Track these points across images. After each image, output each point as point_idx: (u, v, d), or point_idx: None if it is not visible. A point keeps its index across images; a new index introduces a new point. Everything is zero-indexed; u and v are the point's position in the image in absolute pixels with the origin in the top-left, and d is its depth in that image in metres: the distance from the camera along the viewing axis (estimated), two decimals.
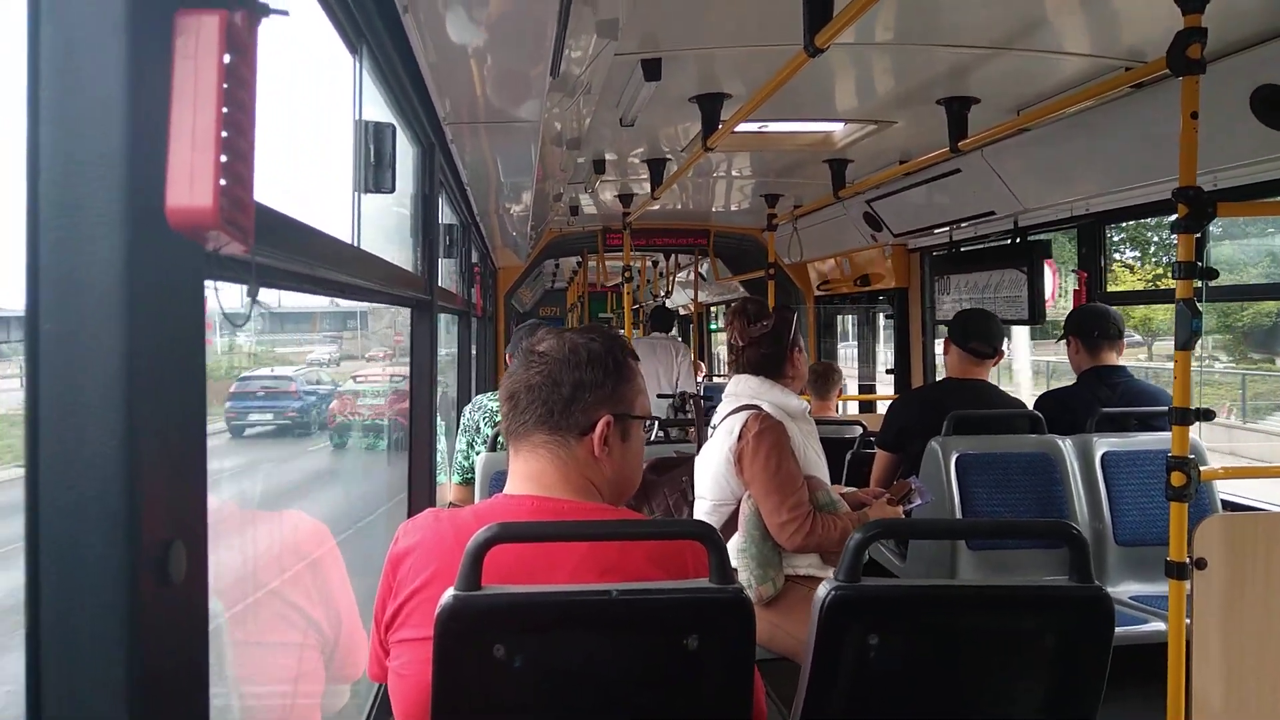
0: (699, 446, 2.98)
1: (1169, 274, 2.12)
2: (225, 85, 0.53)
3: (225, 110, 0.54)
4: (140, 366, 0.54)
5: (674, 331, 7.90)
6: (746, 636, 1.29)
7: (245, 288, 0.65)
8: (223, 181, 0.54)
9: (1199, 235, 2.10)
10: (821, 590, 1.40)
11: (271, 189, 0.90)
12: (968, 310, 3.87)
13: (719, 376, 10.23)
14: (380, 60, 1.76)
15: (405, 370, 2.37)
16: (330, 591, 1.52)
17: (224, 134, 0.54)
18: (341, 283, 1.37)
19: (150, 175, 0.53)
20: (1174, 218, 2.10)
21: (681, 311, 13.76)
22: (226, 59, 0.54)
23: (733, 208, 6.07)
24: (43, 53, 0.51)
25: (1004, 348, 3.60)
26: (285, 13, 0.60)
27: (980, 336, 3.51)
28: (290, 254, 0.96)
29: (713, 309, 11.64)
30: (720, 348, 13.55)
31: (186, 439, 0.61)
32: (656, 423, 3.58)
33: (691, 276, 8.77)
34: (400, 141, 1.82)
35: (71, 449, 0.53)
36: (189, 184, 0.52)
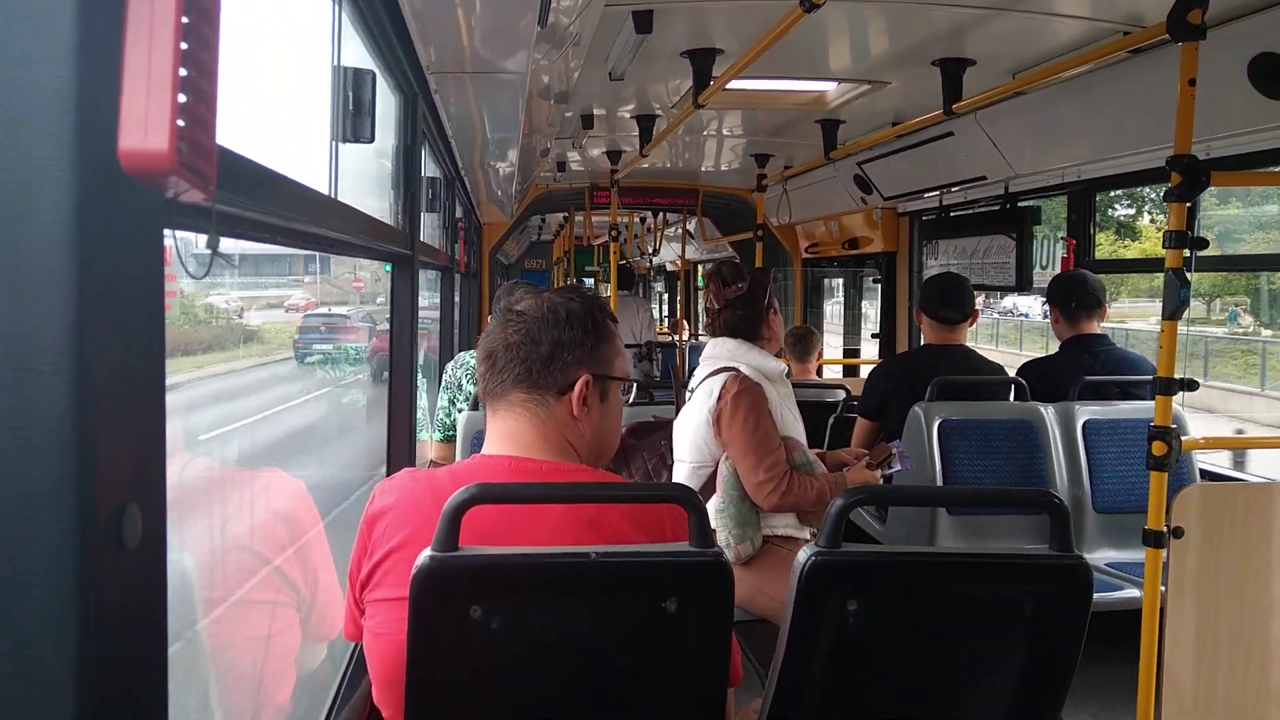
0: (677, 410, 2.98)
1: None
2: (184, 19, 0.50)
3: (185, 47, 0.50)
4: (92, 319, 0.51)
5: (636, 290, 8.50)
6: (725, 600, 1.29)
7: (205, 237, 0.61)
8: (180, 123, 0.50)
9: (1190, 204, 2.09)
10: (802, 555, 1.39)
11: (242, 135, 0.86)
12: (935, 277, 3.86)
13: (703, 337, 10.23)
14: (361, 4, 1.70)
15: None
16: (307, 549, 1.51)
17: (182, 72, 0.50)
18: (316, 235, 1.33)
19: (103, 116, 0.50)
20: (1167, 186, 2.08)
21: (668, 268, 13.69)
22: None
23: (722, 167, 6.01)
24: None
25: (976, 308, 3.60)
26: None
27: (950, 305, 3.52)
28: (259, 203, 0.92)
29: (700, 267, 11.59)
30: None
31: (144, 396, 0.58)
32: (635, 385, 3.57)
33: (679, 233, 8.71)
34: (381, 90, 1.76)
35: (17, 408, 0.50)
36: (143, 125, 0.49)
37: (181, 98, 0.51)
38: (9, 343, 0.49)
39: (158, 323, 0.59)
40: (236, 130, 0.82)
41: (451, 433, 3.29)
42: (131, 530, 0.55)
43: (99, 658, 0.52)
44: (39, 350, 0.50)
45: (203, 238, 0.65)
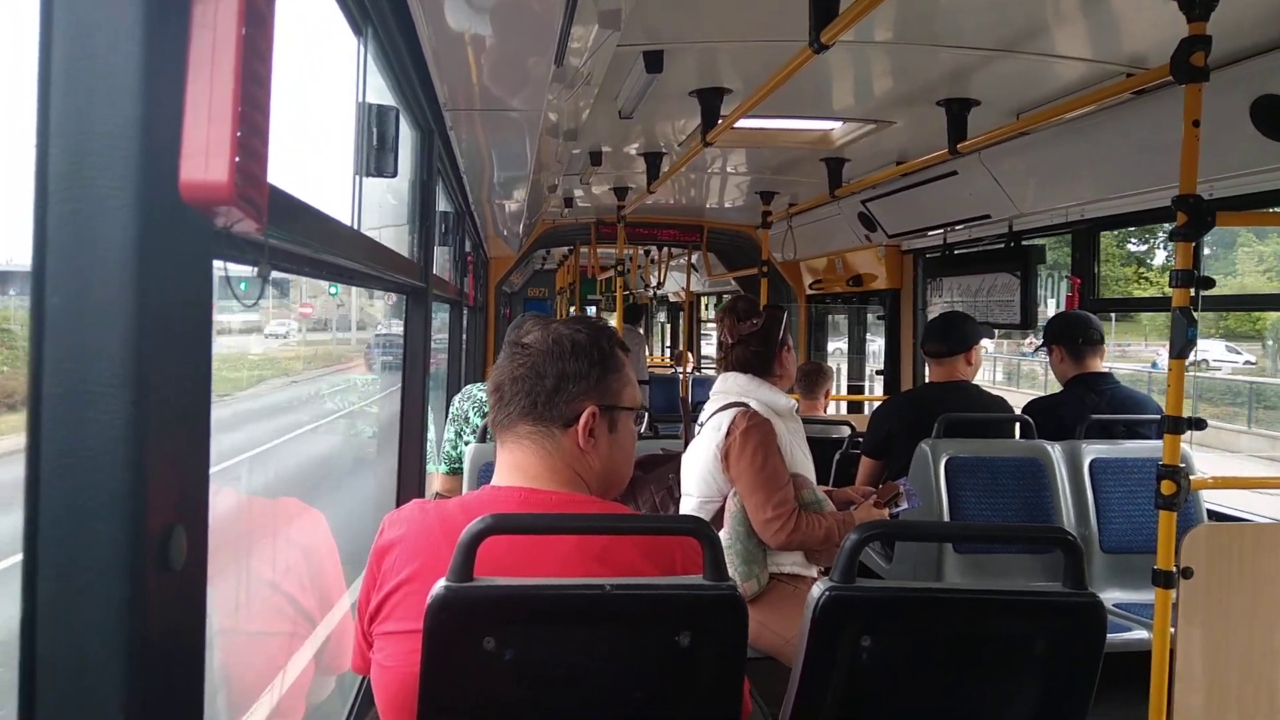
0: (686, 443, 2.98)
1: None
2: (243, 58, 0.52)
3: (242, 84, 0.52)
4: (147, 346, 0.52)
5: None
6: (738, 635, 1.29)
7: (255, 268, 0.63)
8: (238, 158, 0.52)
9: (1196, 244, 2.11)
10: (815, 590, 1.39)
11: (277, 168, 0.88)
12: (938, 315, 3.89)
13: (707, 369, 10.24)
14: (384, 43, 1.74)
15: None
16: (322, 580, 1.51)
17: (240, 108, 0.52)
18: (342, 266, 1.35)
19: (164, 148, 0.52)
20: (1172, 226, 2.10)
21: (671, 299, 13.72)
22: (244, 30, 0.52)
23: (727, 204, 6.06)
24: (56, 20, 0.49)
25: (970, 344, 3.58)
26: None
27: (933, 338, 3.54)
28: (298, 235, 0.94)
29: (703, 300, 11.62)
30: (708, 339, 13.55)
31: (191, 421, 0.59)
32: (646, 415, 3.58)
33: (683, 264, 8.76)
34: (400, 126, 1.80)
35: (75, 427, 0.51)
36: (204, 158, 0.51)
37: (239, 132, 0.53)
38: (70, 364, 0.51)
39: (205, 349, 0.60)
40: (274, 164, 0.84)
41: (458, 465, 3.29)
42: (178, 552, 0.55)
43: (146, 675, 0.53)
44: (97, 372, 0.51)
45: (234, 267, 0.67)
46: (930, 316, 4.81)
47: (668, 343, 15.30)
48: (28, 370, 0.51)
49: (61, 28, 0.50)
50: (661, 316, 16.62)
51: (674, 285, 10.84)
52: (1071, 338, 3.49)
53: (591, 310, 12.17)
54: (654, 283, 10.19)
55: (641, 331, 8.63)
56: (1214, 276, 2.09)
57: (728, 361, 2.85)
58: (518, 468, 1.45)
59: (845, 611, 1.37)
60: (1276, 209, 2.84)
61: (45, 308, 0.51)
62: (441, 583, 1.20)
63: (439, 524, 1.35)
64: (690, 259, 7.53)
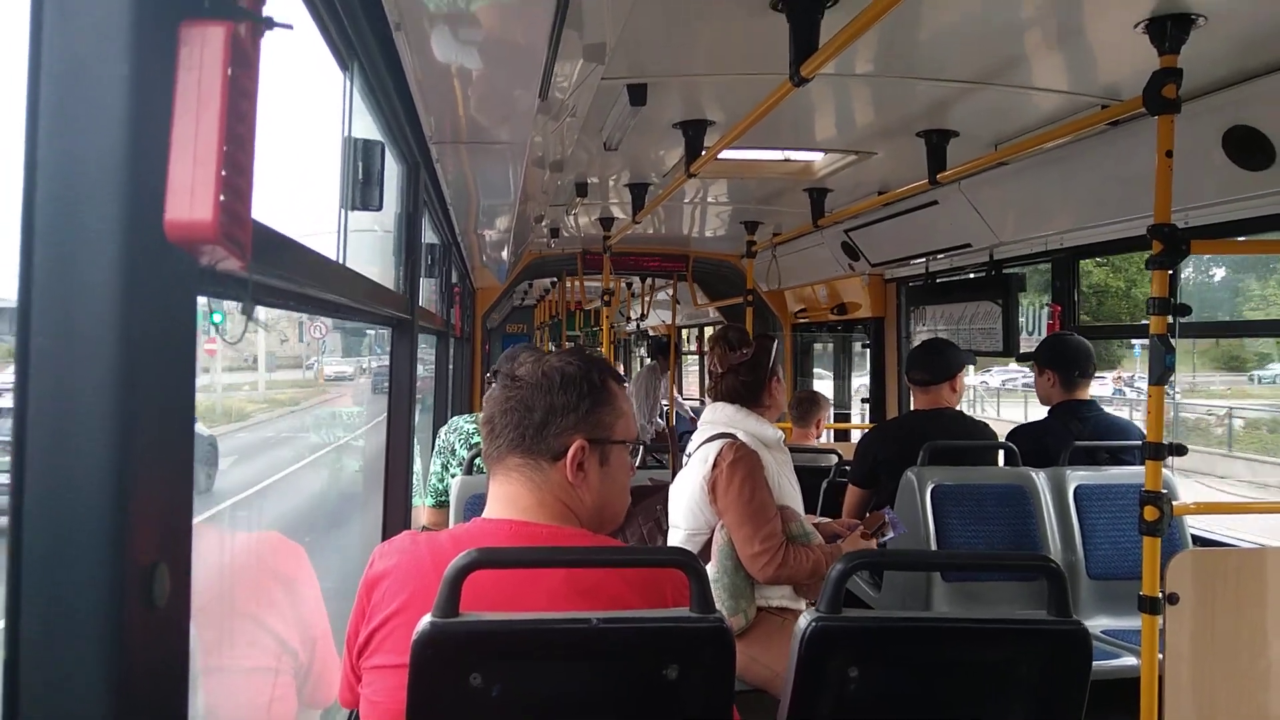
0: (674, 474, 2.97)
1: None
2: (228, 98, 0.52)
3: (228, 124, 0.53)
4: (132, 382, 0.52)
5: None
6: (726, 667, 1.28)
7: (239, 304, 0.63)
8: (222, 196, 0.52)
9: (1172, 272, 2.14)
10: (803, 621, 1.39)
11: (263, 203, 0.88)
12: (921, 342, 3.92)
13: (688, 399, 10.25)
14: (371, 78, 1.76)
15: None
16: (305, 614, 1.49)
17: (225, 148, 0.53)
18: (327, 300, 1.35)
19: (149, 187, 0.52)
20: (1149, 254, 2.14)
21: (650, 333, 13.77)
22: (230, 71, 0.53)
23: (711, 234, 6.10)
24: (44, 59, 0.50)
25: (955, 372, 3.59)
26: (290, 26, 0.59)
27: (917, 366, 3.57)
28: (281, 271, 0.94)
29: (683, 332, 11.65)
30: (689, 371, 13.56)
31: (174, 458, 0.59)
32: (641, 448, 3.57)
33: (666, 297, 8.81)
34: (386, 159, 1.81)
35: (58, 464, 0.51)
36: (189, 197, 0.51)
37: (223, 172, 0.53)
38: (53, 401, 0.51)
39: (189, 387, 0.60)
40: (258, 198, 0.85)
41: (444, 498, 3.27)
42: (161, 589, 0.55)
43: (129, 712, 0.52)
44: (82, 410, 0.51)
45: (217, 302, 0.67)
46: (914, 344, 4.84)
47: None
48: (13, 404, 0.51)
49: (49, 68, 0.50)
50: (641, 350, 16.67)
51: (654, 320, 10.88)
52: (1068, 368, 3.50)
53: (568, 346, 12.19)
54: (635, 316, 10.22)
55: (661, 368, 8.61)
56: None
57: (717, 391, 2.84)
58: (508, 500, 1.45)
59: (832, 642, 1.37)
60: (1249, 238, 2.89)
61: (30, 345, 0.51)
62: (427, 618, 1.19)
63: (429, 555, 1.34)
64: (675, 291, 7.56)
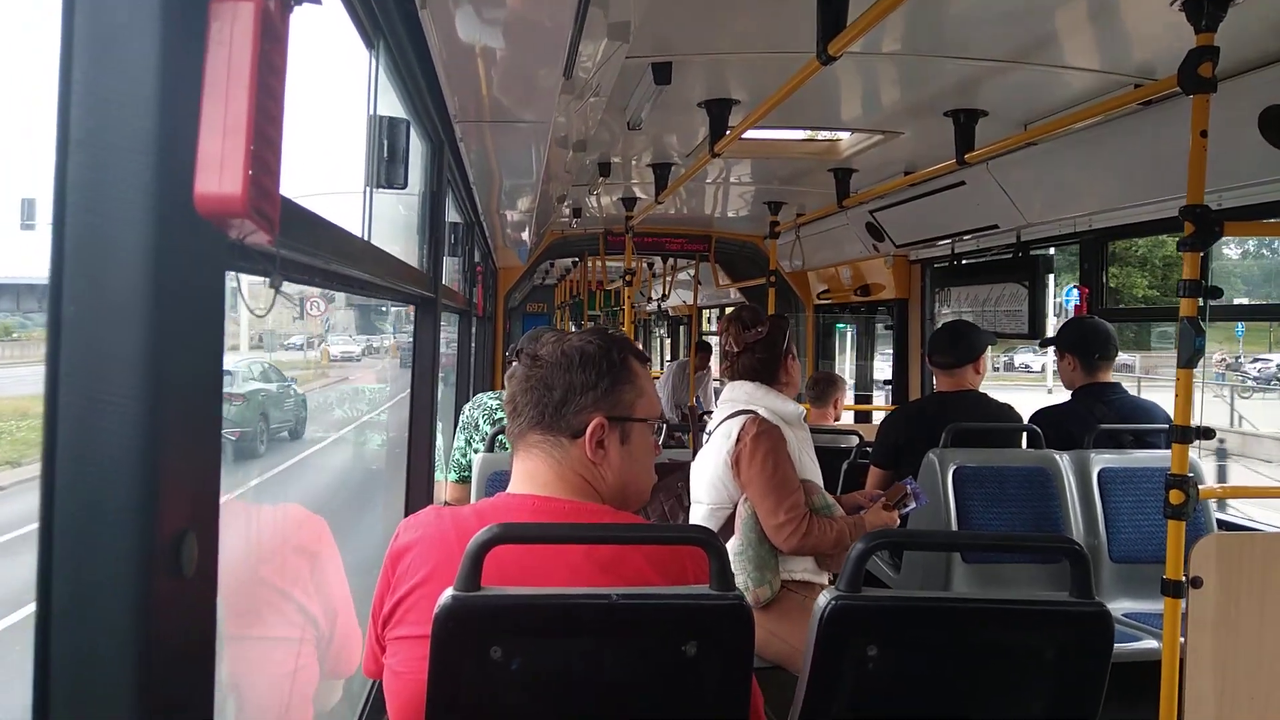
0: (694, 452, 2.98)
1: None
2: (258, 73, 0.53)
3: (257, 99, 0.53)
4: (161, 353, 0.53)
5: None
6: (745, 644, 1.29)
7: (266, 279, 0.64)
8: (251, 171, 0.53)
9: (1204, 254, 2.11)
10: (822, 599, 1.39)
11: (290, 180, 0.89)
12: (943, 324, 3.89)
13: (716, 381, 10.25)
14: (396, 56, 1.76)
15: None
16: (327, 586, 1.52)
17: (254, 122, 0.53)
18: (351, 277, 1.36)
19: (180, 161, 0.53)
20: (1180, 236, 2.10)
21: (671, 313, 13.76)
22: (259, 47, 0.53)
23: (733, 214, 6.07)
24: (77, 36, 0.51)
25: (978, 354, 3.57)
26: (318, 1, 0.60)
27: (940, 349, 3.54)
28: (308, 246, 0.95)
29: (705, 313, 11.65)
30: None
31: (202, 427, 0.60)
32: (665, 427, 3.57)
33: (688, 278, 8.79)
34: (411, 138, 1.81)
35: (89, 434, 0.52)
36: (219, 171, 0.52)
37: (252, 146, 0.54)
38: (85, 373, 0.52)
39: (218, 358, 0.61)
40: (285, 176, 0.86)
41: (467, 473, 3.30)
42: (189, 557, 0.56)
43: (157, 678, 0.53)
44: (112, 381, 0.52)
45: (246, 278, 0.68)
46: (937, 326, 4.81)
47: (667, 357, 15.36)
48: (44, 378, 0.52)
49: (81, 44, 0.51)
50: (661, 330, 16.66)
51: (675, 300, 10.87)
52: (1087, 352, 3.46)
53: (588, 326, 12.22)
54: (657, 296, 10.22)
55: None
56: None
57: (733, 370, 2.85)
58: (530, 476, 1.46)
59: (852, 621, 1.38)
60: None
61: (62, 316, 0.52)
62: (448, 592, 1.20)
63: (454, 529, 1.36)
64: (697, 272, 7.54)
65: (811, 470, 2.74)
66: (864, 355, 7.09)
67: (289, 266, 0.90)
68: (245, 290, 0.71)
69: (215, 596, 0.63)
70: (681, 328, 13.68)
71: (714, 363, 8.62)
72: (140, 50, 0.50)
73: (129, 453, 0.52)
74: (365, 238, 1.63)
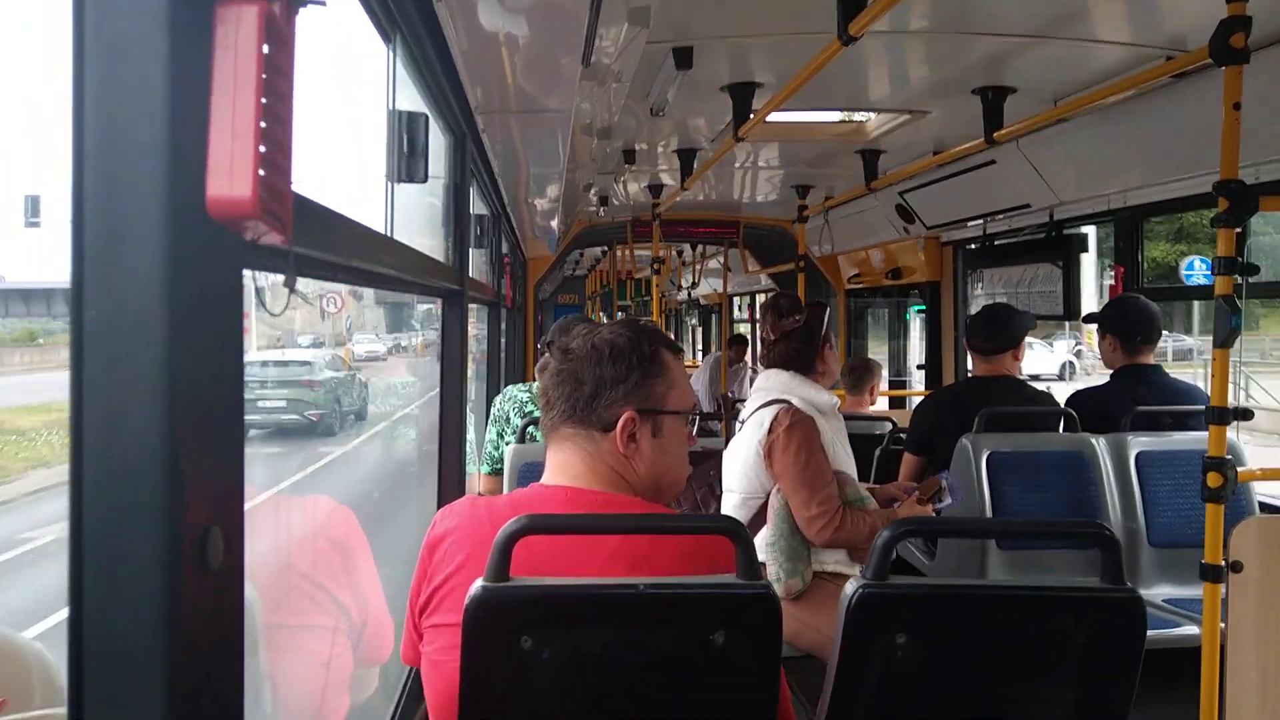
0: (726, 440, 2.98)
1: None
2: (264, 76, 0.54)
3: (264, 101, 0.54)
4: (181, 354, 0.55)
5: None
6: (773, 633, 1.29)
7: (282, 277, 0.65)
8: (261, 172, 0.54)
9: (1239, 230, 2.06)
10: (849, 588, 1.39)
11: (306, 178, 0.90)
12: (983, 307, 3.83)
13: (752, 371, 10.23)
14: (413, 49, 1.77)
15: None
16: (357, 575, 1.54)
17: (263, 124, 0.54)
18: (374, 273, 1.38)
19: (191, 166, 0.54)
20: (1215, 211, 2.06)
21: (702, 302, 13.72)
22: (265, 49, 0.54)
23: (761, 199, 6.04)
24: (87, 47, 0.52)
25: (1019, 340, 3.53)
26: (322, 2, 0.60)
27: (980, 334, 3.48)
28: (326, 244, 0.97)
29: (735, 300, 11.61)
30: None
31: (225, 425, 0.62)
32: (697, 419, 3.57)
33: (718, 265, 8.77)
34: (432, 131, 1.83)
35: (114, 435, 0.53)
36: (229, 174, 0.53)
37: (262, 148, 0.55)
38: (107, 377, 0.53)
39: (237, 357, 0.63)
40: (302, 173, 0.87)
41: (499, 465, 3.32)
42: (214, 552, 0.58)
43: (187, 670, 0.55)
44: (134, 382, 0.53)
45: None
46: (972, 309, 4.75)
47: (699, 346, 15.33)
48: (69, 380, 0.54)
49: (92, 51, 0.52)
50: (693, 320, 16.63)
51: (705, 288, 10.84)
52: (1129, 335, 3.40)
53: (619, 316, 12.24)
54: (686, 284, 10.20)
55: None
56: None
57: (770, 358, 2.84)
58: (563, 468, 1.48)
59: (880, 609, 1.37)
60: None
61: (84, 320, 0.53)
62: (479, 583, 1.22)
63: (488, 518, 1.38)
64: (726, 259, 7.51)
65: (845, 461, 2.72)
66: (897, 340, 7.03)
67: (307, 264, 0.91)
68: (267, 290, 0.72)
69: (242, 590, 0.64)
70: (713, 316, 13.66)
71: (747, 356, 8.66)
72: (148, 56, 0.51)
73: (153, 452, 0.54)
74: (388, 232, 1.65)
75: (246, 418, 0.62)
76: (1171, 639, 2.67)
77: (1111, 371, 3.49)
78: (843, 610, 1.38)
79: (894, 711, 1.42)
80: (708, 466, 2.98)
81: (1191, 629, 2.67)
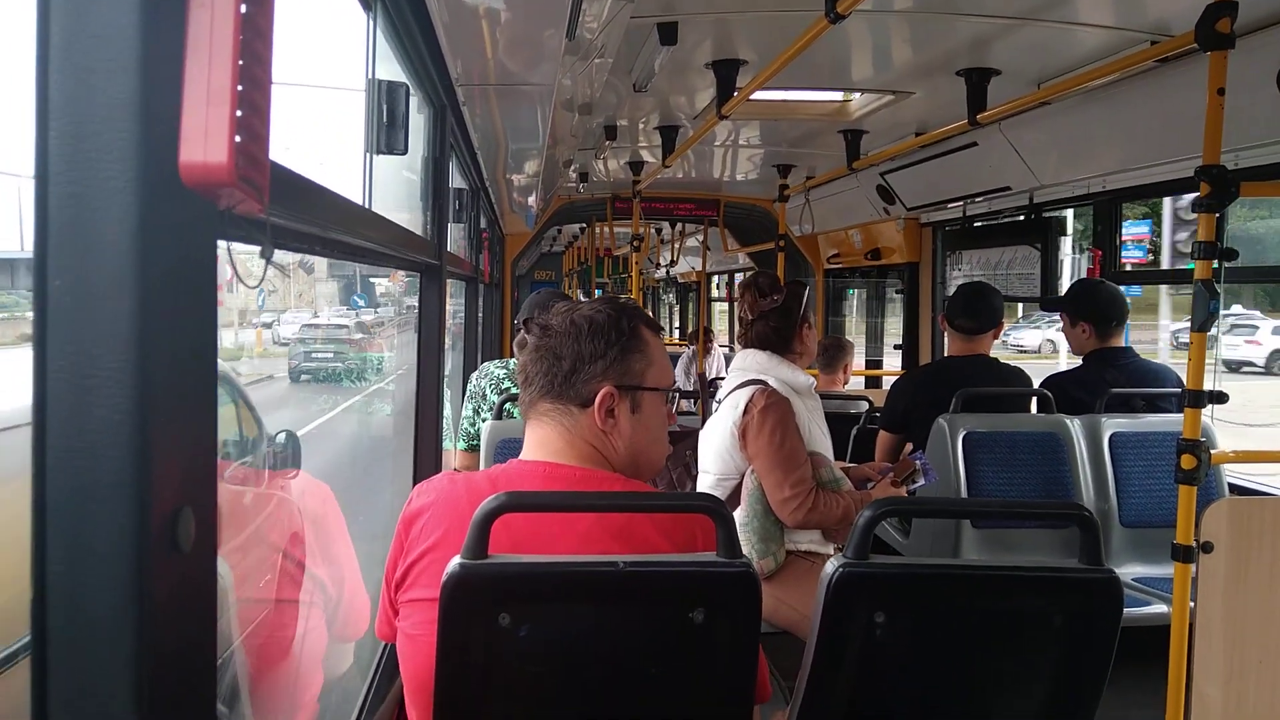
0: (703, 420, 2.97)
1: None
2: (241, 37, 0.51)
3: (241, 63, 0.52)
4: (152, 327, 0.52)
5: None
6: (752, 611, 1.29)
7: (258, 249, 0.63)
8: (238, 138, 0.52)
9: (1219, 215, 2.07)
10: (829, 567, 1.39)
11: (282, 147, 0.87)
12: (962, 285, 3.85)
13: (724, 346, 10.25)
14: (394, 18, 1.73)
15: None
16: (333, 551, 1.53)
17: (240, 88, 0.52)
18: (352, 245, 1.35)
19: (163, 129, 0.51)
20: (1194, 196, 2.07)
21: (680, 280, 13.70)
22: (243, 9, 0.51)
23: (742, 178, 6.02)
24: (53, 1, 0.49)
25: (1000, 321, 3.56)
26: None
27: (965, 313, 3.50)
28: (303, 214, 0.94)
29: (713, 278, 11.61)
30: (722, 316, 13.55)
31: (197, 401, 0.59)
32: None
33: (697, 244, 8.74)
34: (412, 103, 1.79)
35: (81, 411, 0.51)
36: (203, 139, 0.50)
37: (238, 112, 0.52)
38: (73, 349, 0.51)
39: (211, 331, 0.60)
40: (278, 141, 0.84)
41: (475, 442, 3.30)
42: (185, 533, 0.56)
43: (155, 655, 0.53)
44: (101, 356, 0.51)
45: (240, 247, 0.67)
46: (950, 291, 4.77)
47: (676, 324, 15.34)
48: (32, 353, 0.51)
49: (58, 7, 0.49)
50: (670, 297, 16.61)
51: (684, 266, 10.82)
52: (1104, 319, 3.42)
53: (598, 294, 12.19)
54: (665, 262, 10.18)
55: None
56: None
57: (747, 338, 2.82)
58: (541, 444, 1.47)
59: (859, 587, 1.37)
60: None
61: (48, 291, 0.51)
62: (456, 560, 1.21)
63: (466, 494, 1.37)
64: (706, 237, 7.48)
65: (821, 442, 2.72)
66: (875, 319, 7.05)
67: (284, 235, 0.89)
68: (234, 260, 0.70)
69: (215, 571, 0.62)
70: (691, 295, 13.65)
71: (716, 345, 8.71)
72: (119, 14, 0.49)
73: (120, 429, 0.51)
74: (366, 204, 1.61)
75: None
76: (1141, 617, 2.71)
77: (1083, 356, 3.52)
78: (823, 589, 1.38)
79: (872, 689, 1.43)
80: (684, 446, 2.97)
81: (1161, 607, 2.71)
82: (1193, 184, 2.05)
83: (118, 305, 0.51)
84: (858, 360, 6.47)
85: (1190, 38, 2.00)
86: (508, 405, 3.11)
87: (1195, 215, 2.05)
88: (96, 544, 0.52)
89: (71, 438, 0.51)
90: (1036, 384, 3.58)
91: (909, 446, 3.56)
